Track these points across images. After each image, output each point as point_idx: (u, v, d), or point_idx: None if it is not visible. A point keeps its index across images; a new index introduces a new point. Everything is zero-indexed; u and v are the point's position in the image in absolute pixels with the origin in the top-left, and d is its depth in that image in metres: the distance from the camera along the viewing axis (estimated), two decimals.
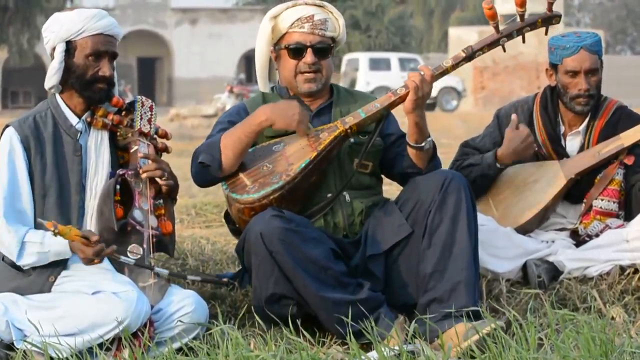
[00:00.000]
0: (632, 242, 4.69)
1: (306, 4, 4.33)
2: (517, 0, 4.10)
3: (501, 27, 4.20)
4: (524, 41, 4.46)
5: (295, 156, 4.13)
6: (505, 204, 4.93)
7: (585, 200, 4.91)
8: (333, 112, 4.36)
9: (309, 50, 4.26)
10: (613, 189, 4.86)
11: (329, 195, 4.24)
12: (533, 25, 4.24)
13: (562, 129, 4.99)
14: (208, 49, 51.31)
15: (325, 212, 4.23)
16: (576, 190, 4.94)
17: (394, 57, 40.06)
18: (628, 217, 4.88)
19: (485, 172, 4.85)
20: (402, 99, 4.17)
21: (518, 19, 4.20)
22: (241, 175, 4.17)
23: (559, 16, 4.25)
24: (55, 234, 3.69)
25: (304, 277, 3.93)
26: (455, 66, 4.22)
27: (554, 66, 4.94)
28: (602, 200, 4.87)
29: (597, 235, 4.83)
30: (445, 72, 4.22)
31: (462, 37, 41.42)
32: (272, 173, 4.11)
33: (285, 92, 4.39)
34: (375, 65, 38.91)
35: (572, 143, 4.97)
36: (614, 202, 4.86)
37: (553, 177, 4.88)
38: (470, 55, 4.22)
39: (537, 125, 4.99)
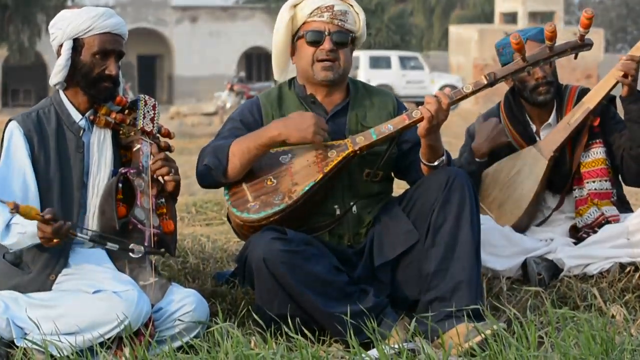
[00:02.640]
0: (633, 237, 4.69)
1: None
2: (547, 35, 4.07)
3: (528, 56, 4.15)
4: (550, 66, 4.46)
5: (301, 175, 4.08)
6: (498, 203, 4.94)
7: (575, 187, 4.94)
8: (349, 115, 4.31)
9: (327, 38, 4.21)
10: (601, 169, 4.91)
11: (336, 206, 4.21)
12: (562, 54, 4.20)
13: (534, 128, 5.01)
14: (208, 46, 51.27)
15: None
16: (560, 177, 4.95)
17: (394, 55, 40.09)
18: (627, 182, 4.97)
19: (468, 171, 4.85)
20: (416, 122, 4.09)
21: (547, 50, 4.16)
22: (244, 186, 4.13)
23: (591, 45, 4.23)
24: (12, 212, 3.64)
25: (309, 295, 3.90)
26: (475, 92, 4.14)
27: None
28: (593, 182, 4.90)
29: (594, 231, 4.84)
30: (463, 97, 4.13)
31: (463, 35, 41.44)
32: (275, 191, 4.06)
33: (302, 90, 4.33)
34: (376, 63, 38.93)
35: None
36: (605, 181, 4.91)
37: (534, 162, 4.89)
38: (492, 82, 4.14)
39: (508, 131, 5.01)
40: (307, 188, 4.03)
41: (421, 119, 4.05)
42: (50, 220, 3.69)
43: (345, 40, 4.24)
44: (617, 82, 4.82)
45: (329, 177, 4.09)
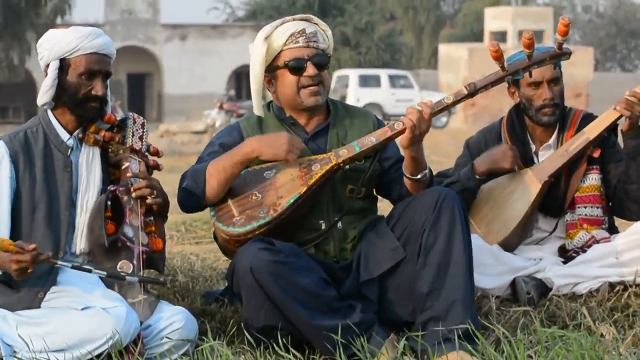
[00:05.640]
0: (621, 257, 4.70)
1: (294, 19, 4.27)
2: (525, 43, 4.04)
3: (507, 66, 4.14)
4: (530, 76, 4.49)
5: (285, 188, 4.08)
6: (487, 221, 4.93)
7: (568, 212, 4.93)
8: (330, 135, 4.30)
9: (309, 63, 4.20)
10: (594, 195, 4.90)
11: (321, 222, 4.21)
12: (540, 63, 4.19)
13: (533, 147, 5.01)
14: (198, 65, 51.30)
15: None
16: (555, 202, 4.94)
17: (383, 73, 40.12)
18: (616, 213, 4.96)
19: (465, 186, 4.85)
20: (398, 134, 4.10)
21: (525, 58, 4.15)
22: (229, 202, 4.13)
23: (569, 54, 4.22)
24: None
25: (295, 307, 3.89)
26: (456, 102, 4.14)
27: (515, 82, 4.95)
28: (585, 207, 4.90)
29: (583, 250, 4.84)
30: (445, 108, 4.13)
31: (452, 53, 41.53)
32: (260, 205, 4.06)
33: (281, 113, 4.32)
34: (365, 82, 38.95)
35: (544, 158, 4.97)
36: (597, 208, 4.91)
37: (528, 185, 4.88)
38: (473, 92, 4.13)
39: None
40: (291, 201, 4.04)
41: (403, 131, 4.06)
42: (26, 250, 3.65)
43: (325, 62, 4.26)
44: (620, 116, 4.83)
45: (314, 191, 4.09)
